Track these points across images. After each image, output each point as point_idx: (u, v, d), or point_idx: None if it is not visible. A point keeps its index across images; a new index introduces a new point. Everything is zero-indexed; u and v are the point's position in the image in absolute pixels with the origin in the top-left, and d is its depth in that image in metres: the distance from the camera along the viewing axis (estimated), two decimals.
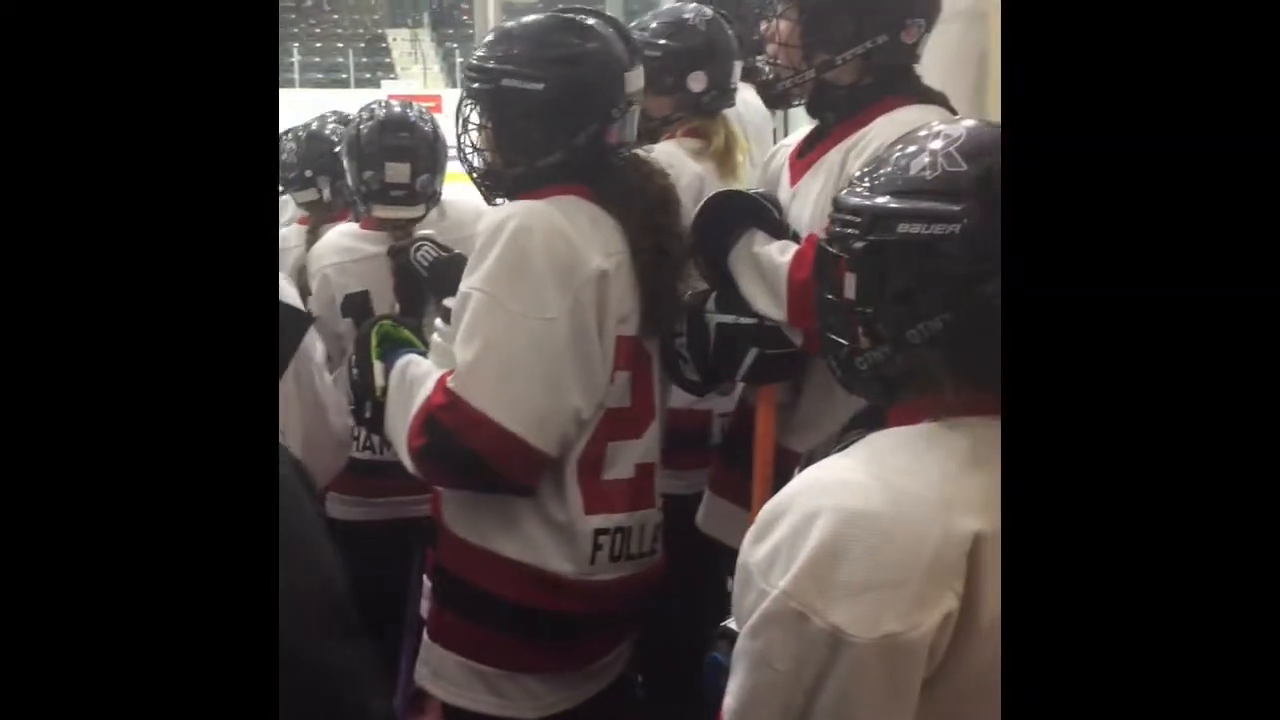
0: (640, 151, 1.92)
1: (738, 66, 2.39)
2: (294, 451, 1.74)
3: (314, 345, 1.83)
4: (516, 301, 1.66)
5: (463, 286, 1.72)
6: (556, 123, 1.76)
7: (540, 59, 1.75)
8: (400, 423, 1.77)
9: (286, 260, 2.67)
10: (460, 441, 1.67)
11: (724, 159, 2.33)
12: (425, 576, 1.94)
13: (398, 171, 2.48)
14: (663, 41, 2.34)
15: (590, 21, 1.80)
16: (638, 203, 1.80)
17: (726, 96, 2.40)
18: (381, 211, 2.49)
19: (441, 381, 1.71)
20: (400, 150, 2.50)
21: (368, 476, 2.39)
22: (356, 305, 2.44)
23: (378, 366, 1.88)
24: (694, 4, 2.46)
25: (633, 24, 2.48)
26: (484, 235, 1.71)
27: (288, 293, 1.81)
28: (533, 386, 1.66)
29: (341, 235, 2.54)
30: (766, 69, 1.89)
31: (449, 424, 1.67)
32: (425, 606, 1.93)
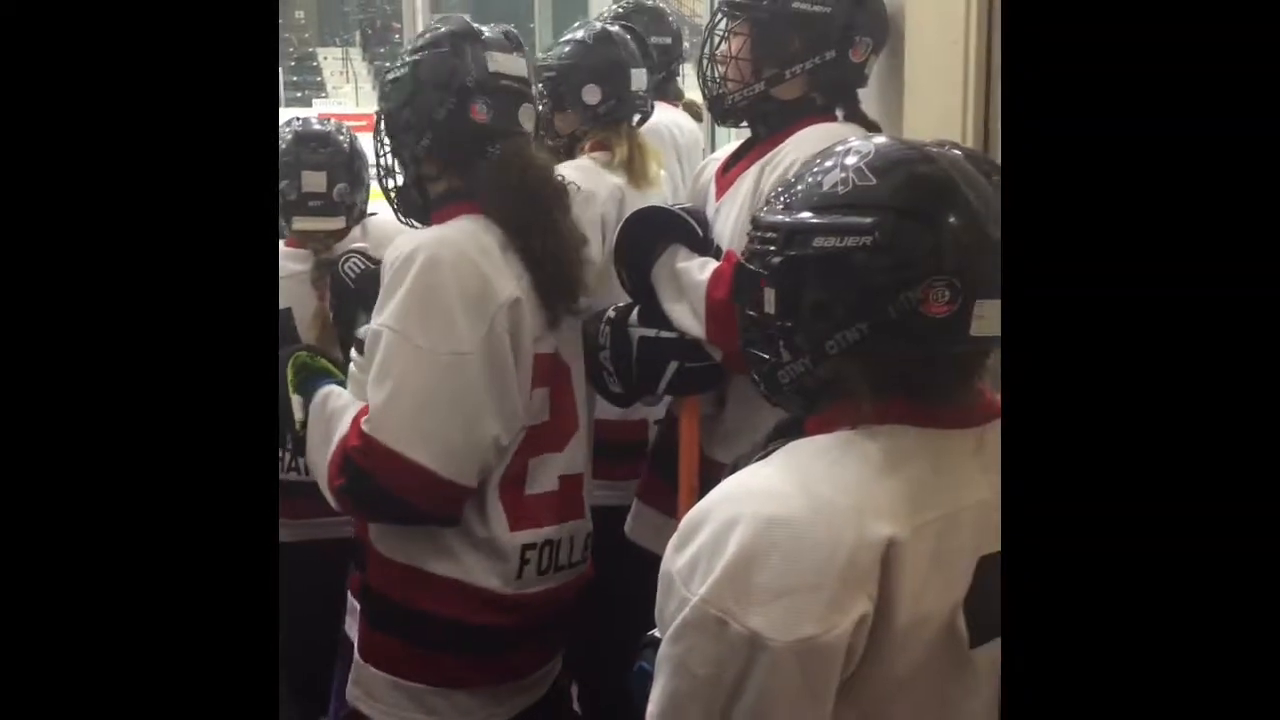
0: (521, 145, 1.86)
1: (639, 76, 2.44)
2: None
3: None
4: (427, 337, 1.65)
5: (373, 323, 1.71)
6: (420, 103, 1.77)
7: (415, 46, 1.82)
8: (320, 457, 1.76)
9: None
10: (378, 482, 1.67)
11: (633, 169, 2.36)
12: (352, 597, 1.92)
13: (313, 180, 2.47)
14: (556, 61, 2.44)
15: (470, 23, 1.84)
16: (521, 196, 1.78)
17: (625, 106, 2.43)
18: (301, 223, 2.47)
19: (356, 421, 1.70)
20: (315, 160, 2.49)
21: (294, 498, 2.36)
22: (278, 323, 2.41)
23: (296, 400, 1.86)
24: (594, 22, 2.57)
25: (548, 51, 2.60)
26: (392, 267, 1.69)
27: None
28: (446, 422, 1.66)
29: None
30: (715, 85, 1.93)
31: (365, 465, 1.67)
32: (353, 627, 1.91)
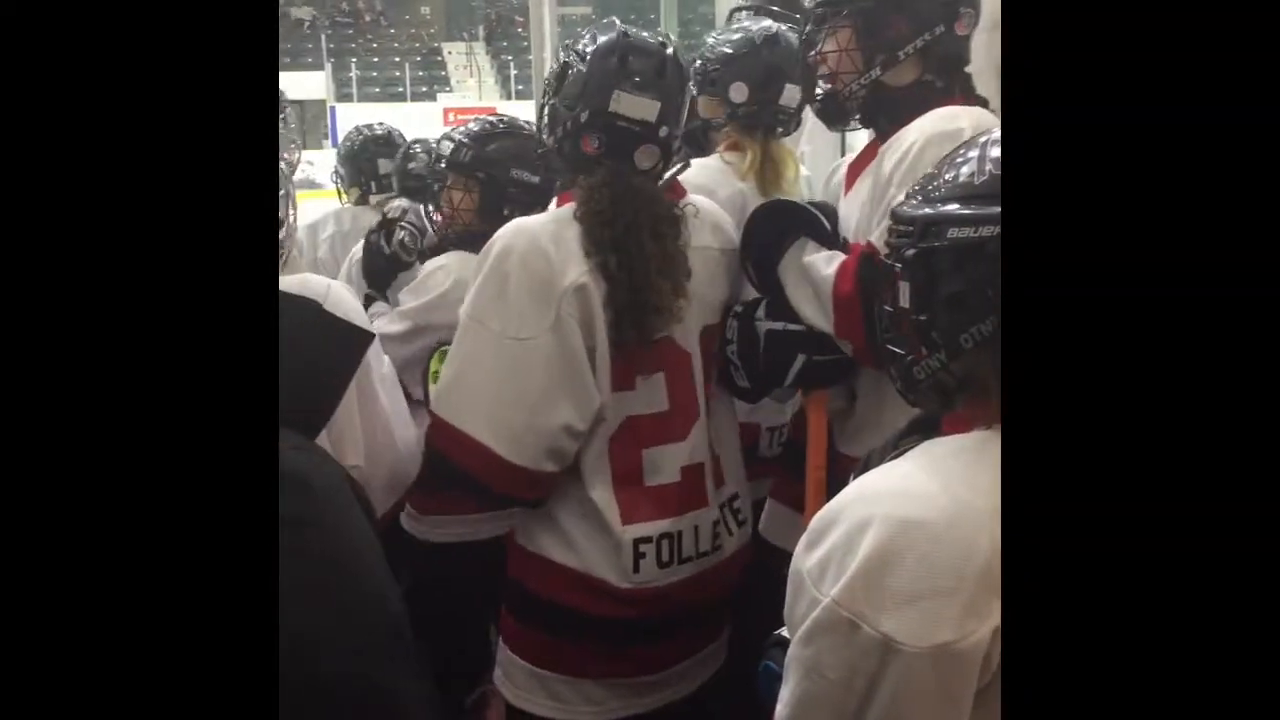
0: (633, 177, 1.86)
1: (791, 91, 2.37)
2: (358, 466, 1.77)
3: (377, 357, 1.85)
4: (495, 322, 1.72)
5: (459, 310, 1.80)
6: (555, 109, 1.84)
7: (578, 49, 1.83)
8: None
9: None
10: (451, 460, 1.75)
11: (762, 177, 2.33)
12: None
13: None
14: (718, 48, 2.42)
15: (621, 39, 1.82)
16: (620, 210, 1.77)
17: (766, 114, 2.39)
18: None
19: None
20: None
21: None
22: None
23: (434, 390, 1.95)
24: (769, 22, 2.49)
25: (708, 36, 2.58)
26: (479, 257, 1.78)
27: (350, 308, 1.83)
28: (508, 406, 1.71)
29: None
30: (825, 84, 1.89)
31: (438, 442, 1.76)
32: None
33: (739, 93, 2.37)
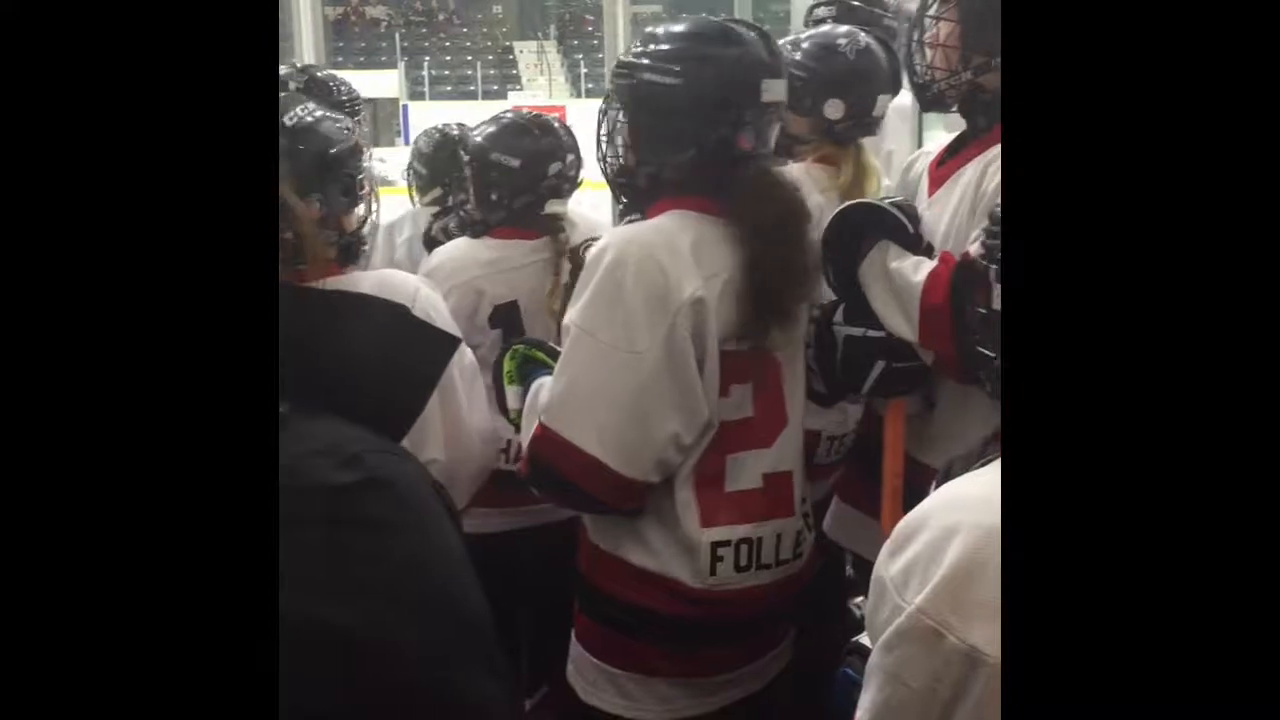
0: (771, 165, 1.89)
1: (884, 102, 2.32)
2: (437, 460, 1.78)
3: (460, 359, 1.86)
4: (608, 333, 1.69)
5: (565, 319, 1.75)
6: (689, 120, 1.74)
7: (679, 56, 1.75)
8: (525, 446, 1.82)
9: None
10: (556, 470, 1.73)
11: (850, 192, 2.27)
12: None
13: (574, 163, 2.58)
14: (809, 63, 2.30)
15: (734, 26, 1.80)
16: (765, 209, 1.77)
17: (863, 127, 2.33)
18: (556, 205, 2.54)
19: (539, 420, 1.76)
20: (573, 142, 2.60)
21: (510, 488, 2.42)
22: (506, 315, 2.49)
23: (512, 390, 1.95)
24: (849, 29, 2.39)
25: (786, 39, 2.43)
26: (586, 266, 1.74)
27: (438, 311, 1.85)
28: (620, 418, 1.69)
29: (475, 248, 2.56)
30: (921, 69, 1.87)
31: (545, 454, 1.73)
32: None
33: (835, 110, 2.28)
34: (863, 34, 2.36)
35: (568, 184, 2.57)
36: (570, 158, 2.57)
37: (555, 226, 2.53)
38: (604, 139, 1.87)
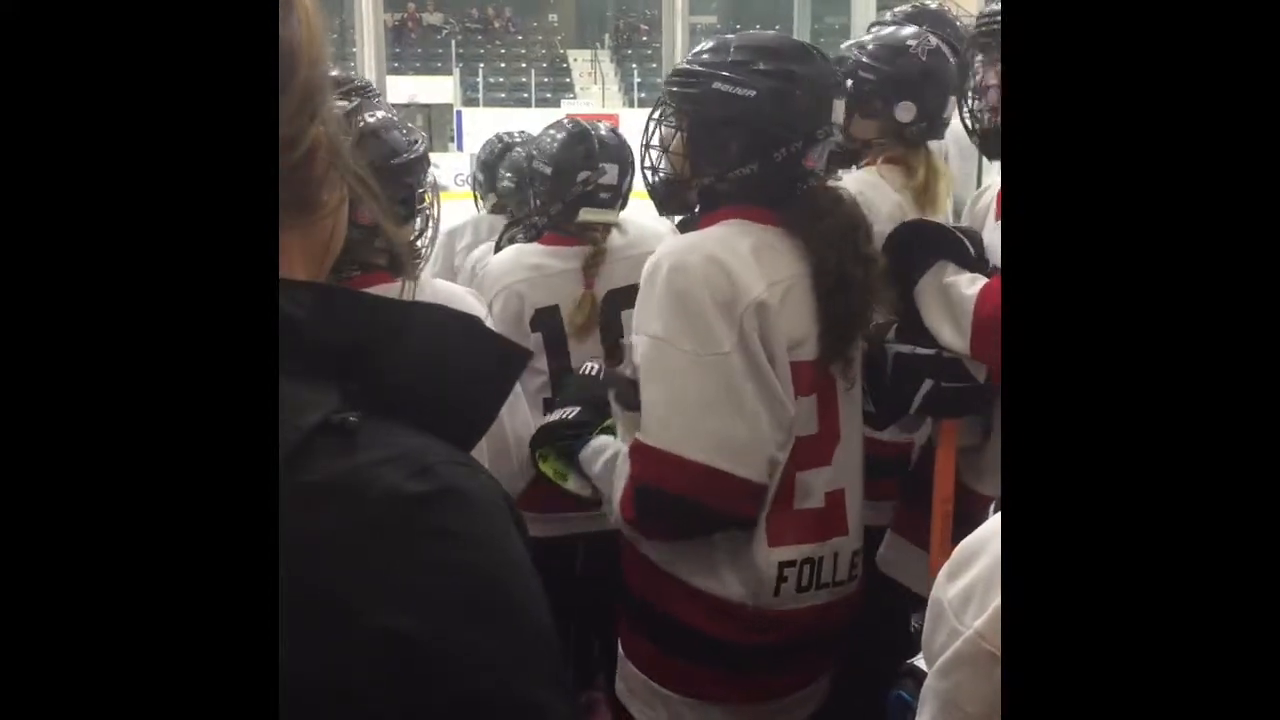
0: (831, 181, 1.89)
1: (952, 104, 2.26)
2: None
3: None
4: (688, 341, 1.64)
5: (633, 336, 1.71)
6: (760, 134, 1.72)
7: (756, 69, 1.73)
8: (613, 506, 1.76)
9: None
10: (670, 491, 1.65)
11: (923, 192, 2.24)
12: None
13: (611, 173, 2.56)
14: (878, 65, 2.26)
15: (809, 44, 1.80)
16: (825, 222, 1.76)
17: (935, 129, 2.30)
18: (589, 214, 2.53)
19: (634, 445, 1.69)
20: (610, 154, 2.58)
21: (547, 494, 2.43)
22: (547, 319, 2.50)
23: (573, 481, 1.89)
24: (917, 29, 2.33)
25: (849, 42, 2.42)
26: (644, 279, 1.70)
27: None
28: (726, 420, 1.63)
29: (523, 254, 2.58)
30: (986, 117, 1.84)
31: (653, 479, 1.65)
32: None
33: (906, 112, 2.24)
34: (932, 35, 2.31)
35: (606, 193, 2.55)
36: (608, 167, 2.56)
37: (590, 236, 2.53)
38: (652, 148, 1.84)
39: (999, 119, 1.80)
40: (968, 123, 1.88)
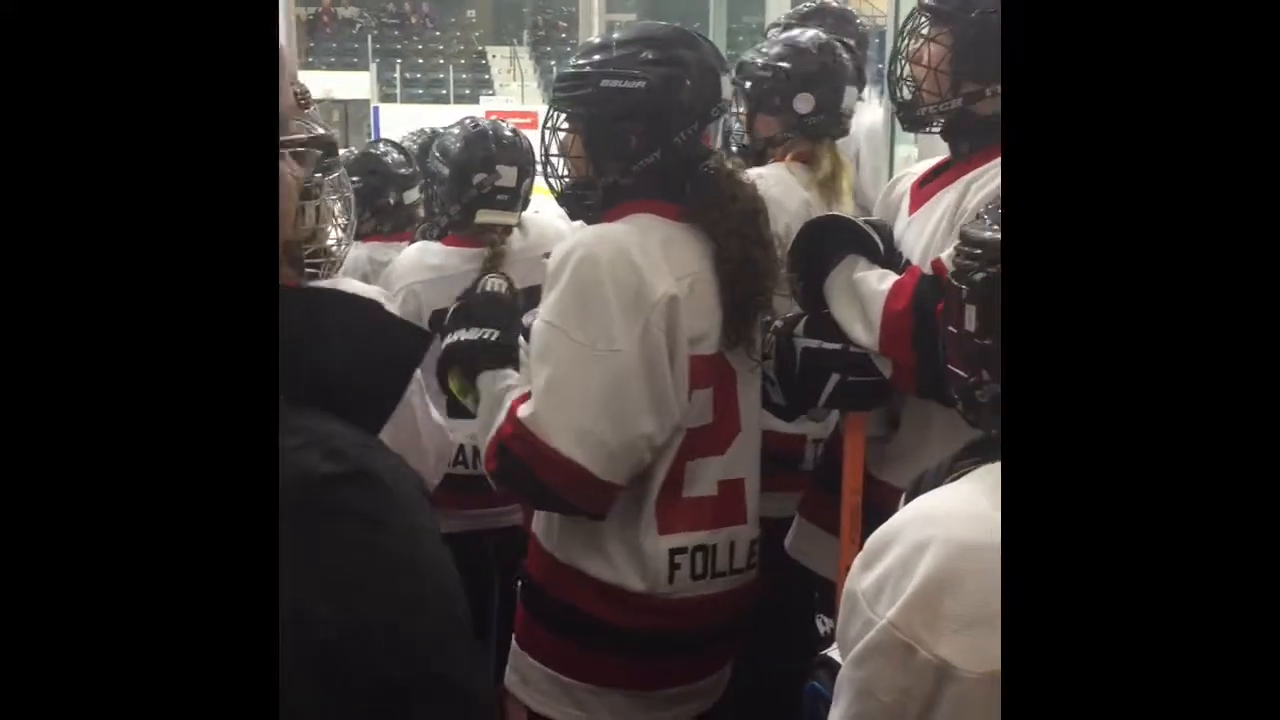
0: (731, 162, 1.93)
1: (850, 94, 2.40)
2: None
3: None
4: (583, 333, 1.66)
5: (537, 317, 1.74)
6: (657, 122, 1.76)
7: (643, 59, 1.77)
8: (484, 440, 1.79)
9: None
10: (529, 470, 1.69)
11: (828, 185, 2.33)
12: (517, 580, 1.96)
13: (508, 175, 2.55)
14: (774, 63, 2.38)
15: (686, 30, 1.85)
16: (729, 209, 1.80)
17: (834, 122, 2.40)
18: (487, 216, 2.53)
19: (513, 409, 1.72)
20: (509, 155, 2.57)
21: (460, 492, 2.41)
22: (442, 322, 2.48)
23: (471, 401, 1.88)
24: (812, 30, 2.50)
25: (755, 47, 2.57)
26: (553, 264, 1.72)
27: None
28: (599, 419, 1.66)
29: (425, 253, 2.59)
30: (907, 90, 1.87)
31: (518, 453, 1.69)
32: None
33: (805, 104, 2.36)
34: (822, 33, 2.47)
35: (504, 194, 2.55)
36: (505, 169, 2.55)
37: (489, 238, 2.53)
38: (553, 156, 1.86)
39: (924, 92, 1.84)
40: (894, 94, 1.90)
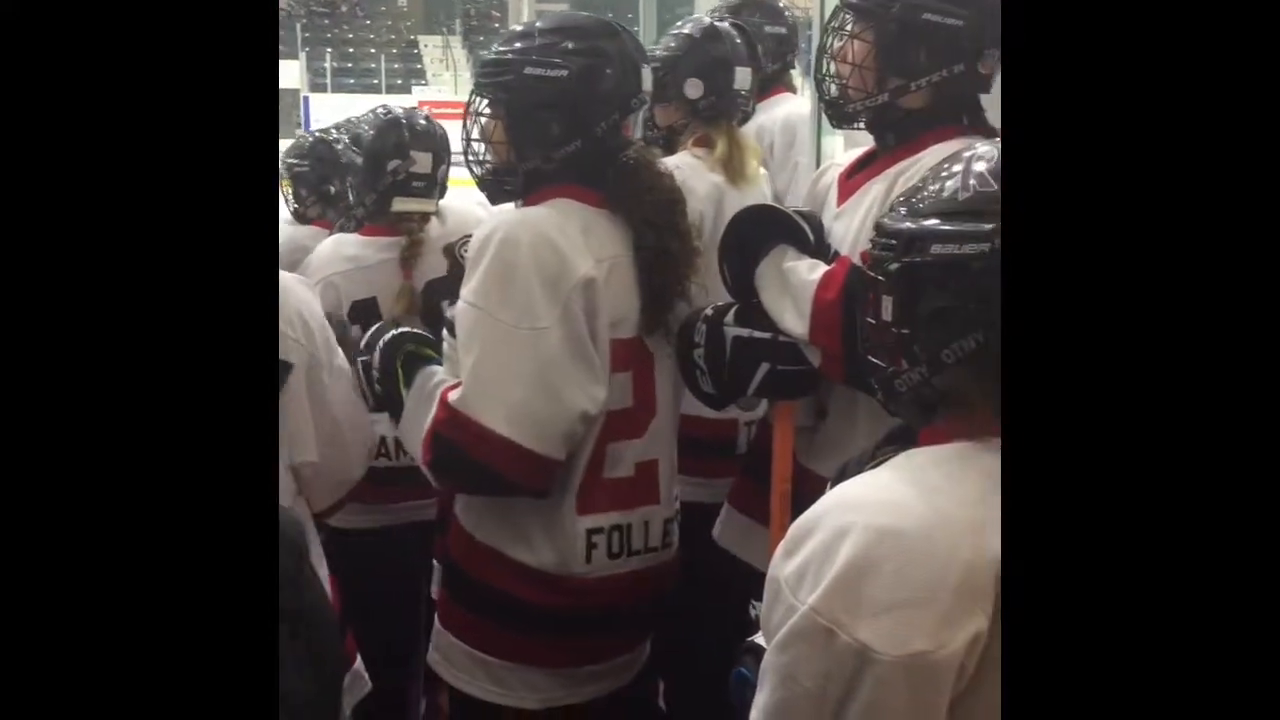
0: (650, 152, 1.96)
1: (743, 75, 2.45)
2: (313, 462, 1.77)
3: (331, 356, 1.85)
4: (507, 313, 1.70)
5: (459, 300, 1.75)
6: (578, 111, 1.79)
7: (565, 48, 1.79)
8: (416, 436, 1.80)
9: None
10: (466, 454, 1.72)
11: (731, 167, 2.37)
12: (435, 561, 1.98)
13: (423, 161, 2.54)
14: (664, 53, 2.45)
15: (607, 20, 1.87)
16: (646, 199, 1.84)
17: (726, 103, 2.45)
18: (403, 204, 2.52)
19: (443, 396, 1.75)
20: (424, 142, 2.56)
21: (383, 485, 2.39)
22: (364, 311, 2.47)
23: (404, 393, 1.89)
24: (701, 16, 2.58)
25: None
26: (473, 248, 1.75)
27: (307, 308, 1.83)
28: (530, 394, 1.69)
29: (341, 244, 2.57)
30: (833, 87, 1.88)
31: (452, 438, 1.72)
32: (435, 590, 1.97)
33: (694, 89, 2.41)
34: (707, 18, 2.55)
35: (419, 181, 2.54)
36: (420, 155, 2.54)
37: (406, 226, 2.52)
38: (475, 141, 1.88)
39: (850, 89, 1.85)
40: (821, 92, 1.92)
